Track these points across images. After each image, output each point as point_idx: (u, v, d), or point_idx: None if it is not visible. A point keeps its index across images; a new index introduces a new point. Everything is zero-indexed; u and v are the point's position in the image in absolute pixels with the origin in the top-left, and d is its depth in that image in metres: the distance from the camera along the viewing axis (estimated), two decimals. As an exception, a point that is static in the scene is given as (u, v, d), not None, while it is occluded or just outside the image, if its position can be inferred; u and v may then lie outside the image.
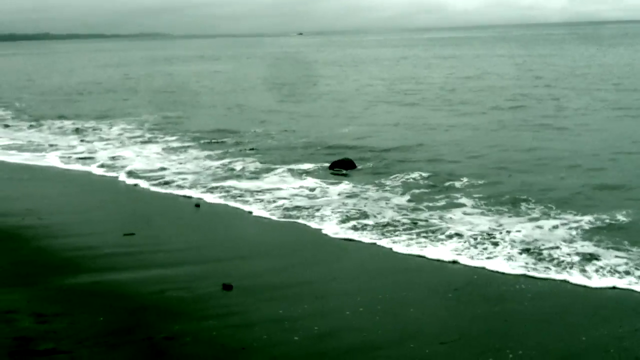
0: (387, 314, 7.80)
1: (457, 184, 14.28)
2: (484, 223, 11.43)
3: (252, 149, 19.63)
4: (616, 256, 9.56)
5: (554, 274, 9.00)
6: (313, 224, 11.80)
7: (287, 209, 12.81)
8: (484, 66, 54.39)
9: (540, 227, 11.09)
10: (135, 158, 19.02)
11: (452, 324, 7.53)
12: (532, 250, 9.94)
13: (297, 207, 12.88)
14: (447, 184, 14.38)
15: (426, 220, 11.72)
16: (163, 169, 17.28)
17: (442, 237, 10.75)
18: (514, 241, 10.39)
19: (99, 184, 16.02)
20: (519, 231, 10.82)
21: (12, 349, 6.83)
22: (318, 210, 12.61)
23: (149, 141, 22.28)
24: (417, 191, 13.89)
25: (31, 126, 27.18)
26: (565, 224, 11.15)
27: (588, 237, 10.44)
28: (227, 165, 17.45)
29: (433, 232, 11.01)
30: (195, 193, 14.42)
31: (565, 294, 8.35)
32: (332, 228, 11.48)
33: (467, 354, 6.78)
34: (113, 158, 19.12)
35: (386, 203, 13.04)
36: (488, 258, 9.72)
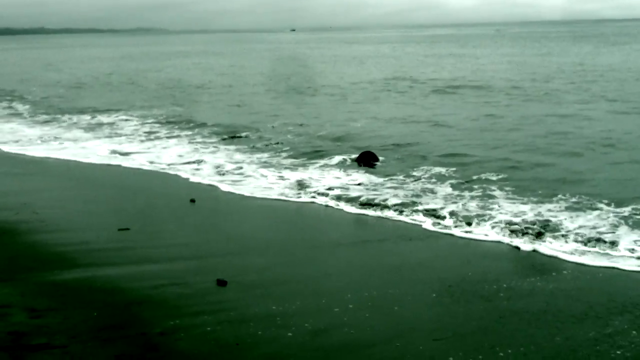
0: (380, 311, 7.82)
1: (484, 176, 14.79)
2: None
3: (278, 143, 19.93)
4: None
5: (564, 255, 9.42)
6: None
7: (360, 202, 12.94)
8: (483, 63, 54.49)
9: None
10: (168, 152, 19.16)
11: (445, 321, 7.55)
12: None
13: (367, 198, 13.09)
14: (475, 176, 14.78)
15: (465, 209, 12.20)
16: (200, 161, 17.66)
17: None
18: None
19: (101, 178, 16.02)
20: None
21: (6, 343, 6.83)
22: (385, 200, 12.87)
23: (170, 136, 22.34)
24: (453, 182, 14.39)
25: (46, 121, 27.20)
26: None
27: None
28: (265, 159, 17.75)
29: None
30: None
31: (559, 292, 8.37)
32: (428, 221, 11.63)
33: (460, 351, 6.79)
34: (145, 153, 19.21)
35: (432, 192, 13.55)
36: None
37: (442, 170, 15.48)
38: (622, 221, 11.10)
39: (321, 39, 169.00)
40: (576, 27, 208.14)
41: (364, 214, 12.27)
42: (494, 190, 13.47)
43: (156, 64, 68.54)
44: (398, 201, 12.73)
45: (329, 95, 33.66)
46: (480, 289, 8.43)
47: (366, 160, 16.84)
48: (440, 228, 11.26)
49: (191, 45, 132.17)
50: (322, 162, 17.16)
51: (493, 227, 11.01)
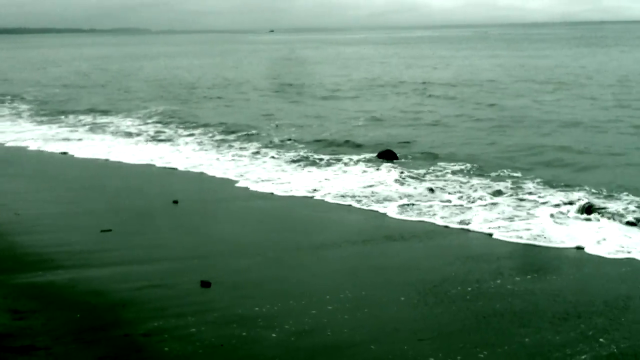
0: (365, 311, 7.84)
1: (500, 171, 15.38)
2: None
3: (290, 139, 20.27)
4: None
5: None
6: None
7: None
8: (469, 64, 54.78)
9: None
10: (181, 153, 19.10)
11: (430, 321, 7.59)
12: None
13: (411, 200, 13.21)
14: (493, 173, 15.29)
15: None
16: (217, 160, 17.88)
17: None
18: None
19: (91, 179, 15.94)
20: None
21: (-12, 345, 6.79)
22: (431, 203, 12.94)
23: (178, 135, 22.40)
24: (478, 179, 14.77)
25: (42, 121, 27.08)
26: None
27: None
28: (300, 158, 17.93)
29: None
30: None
31: (541, 291, 8.44)
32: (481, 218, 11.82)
33: (445, 351, 6.84)
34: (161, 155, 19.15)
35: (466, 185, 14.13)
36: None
37: (464, 166, 16.02)
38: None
39: (299, 39, 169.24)
40: (560, 30, 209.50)
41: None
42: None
43: (146, 63, 68.32)
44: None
45: (316, 94, 34.19)
46: (464, 290, 8.48)
47: (388, 158, 17.25)
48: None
49: (169, 47, 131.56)
50: (345, 158, 17.50)
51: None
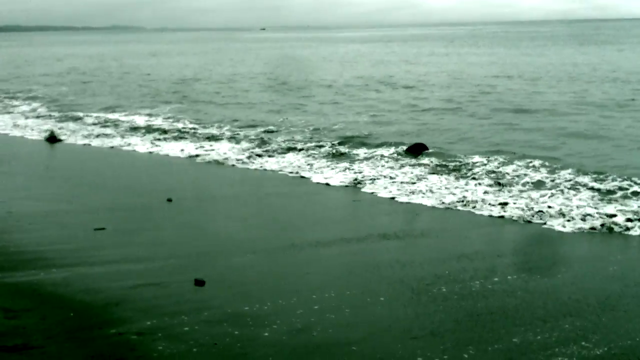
0: (358, 309, 7.87)
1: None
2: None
3: (312, 138, 20.10)
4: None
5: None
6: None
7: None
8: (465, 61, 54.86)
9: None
10: (220, 149, 19.24)
11: (423, 319, 7.61)
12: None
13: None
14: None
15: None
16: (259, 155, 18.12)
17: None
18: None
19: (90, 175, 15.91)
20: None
21: (-18, 344, 6.78)
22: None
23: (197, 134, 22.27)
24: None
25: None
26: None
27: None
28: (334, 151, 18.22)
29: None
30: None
31: (533, 288, 8.48)
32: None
33: (438, 349, 6.86)
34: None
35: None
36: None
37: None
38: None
39: (289, 37, 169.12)
40: (556, 27, 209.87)
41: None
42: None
43: (143, 61, 68.21)
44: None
45: (316, 90, 34.55)
46: (457, 288, 8.51)
47: (418, 151, 17.40)
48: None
49: (166, 45, 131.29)
50: (377, 152, 17.66)
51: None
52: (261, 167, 16.79)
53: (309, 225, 11.83)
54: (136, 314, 7.69)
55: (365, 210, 12.88)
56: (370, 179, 14.79)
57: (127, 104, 30.89)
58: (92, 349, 6.84)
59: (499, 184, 13.96)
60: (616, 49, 68.76)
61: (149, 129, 23.25)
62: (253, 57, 73.55)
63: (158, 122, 24.79)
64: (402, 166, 16.07)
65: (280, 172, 16.18)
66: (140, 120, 25.24)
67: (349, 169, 16.11)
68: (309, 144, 19.06)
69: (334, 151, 18.10)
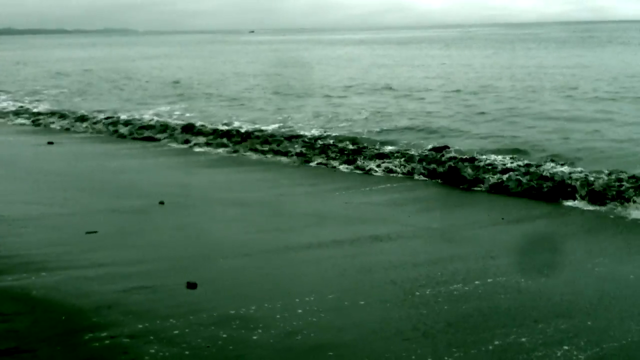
0: (350, 311, 7.87)
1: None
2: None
3: (323, 138, 19.99)
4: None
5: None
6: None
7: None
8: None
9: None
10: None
11: (415, 321, 7.62)
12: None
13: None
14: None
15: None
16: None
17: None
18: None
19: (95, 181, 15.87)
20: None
21: (-27, 348, 6.76)
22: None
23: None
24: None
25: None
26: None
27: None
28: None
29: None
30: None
31: (526, 291, 8.50)
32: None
33: (430, 350, 6.88)
34: None
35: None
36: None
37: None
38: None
39: (277, 40, 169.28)
40: (548, 29, 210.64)
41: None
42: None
43: (143, 63, 68.15)
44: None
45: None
46: (450, 289, 8.52)
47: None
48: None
49: (163, 47, 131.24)
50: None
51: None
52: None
53: (301, 227, 11.82)
54: (128, 317, 7.68)
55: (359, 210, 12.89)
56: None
57: (128, 106, 30.81)
58: (83, 352, 6.82)
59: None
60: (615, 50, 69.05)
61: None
62: (245, 60, 73.63)
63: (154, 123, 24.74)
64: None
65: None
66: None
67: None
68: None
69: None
